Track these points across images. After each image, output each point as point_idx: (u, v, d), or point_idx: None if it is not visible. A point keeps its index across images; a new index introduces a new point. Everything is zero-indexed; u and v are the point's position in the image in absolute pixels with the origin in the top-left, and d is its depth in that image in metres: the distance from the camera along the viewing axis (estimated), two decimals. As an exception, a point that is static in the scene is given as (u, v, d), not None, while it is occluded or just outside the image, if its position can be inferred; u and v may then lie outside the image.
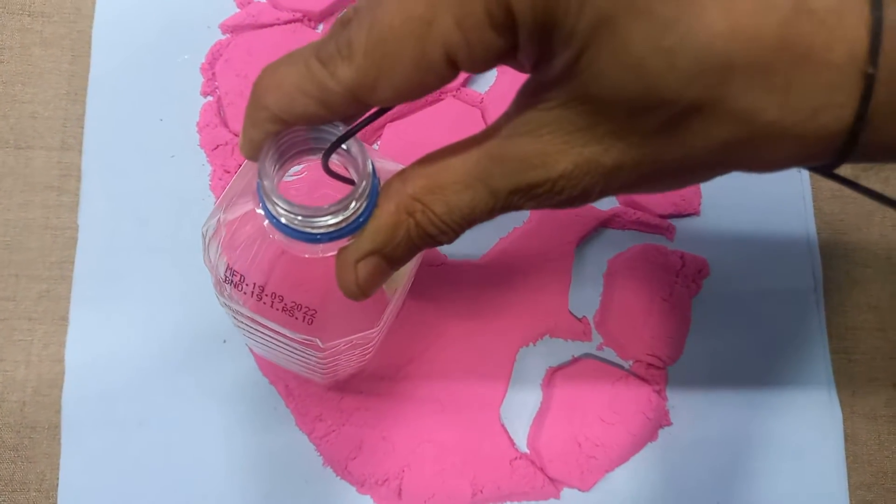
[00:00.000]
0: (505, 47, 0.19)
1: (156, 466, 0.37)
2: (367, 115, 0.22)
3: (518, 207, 0.21)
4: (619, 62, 0.17)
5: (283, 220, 0.21)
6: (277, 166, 0.22)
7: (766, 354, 0.41)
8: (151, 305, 0.38)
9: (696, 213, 0.42)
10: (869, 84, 0.16)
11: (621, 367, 0.40)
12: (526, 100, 0.21)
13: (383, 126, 0.41)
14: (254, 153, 0.21)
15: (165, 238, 0.39)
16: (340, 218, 0.21)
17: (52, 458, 0.37)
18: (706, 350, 0.41)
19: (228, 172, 0.40)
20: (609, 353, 0.40)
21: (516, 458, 0.38)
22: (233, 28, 0.42)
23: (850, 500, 0.40)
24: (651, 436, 0.39)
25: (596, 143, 0.19)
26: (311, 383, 0.38)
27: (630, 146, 0.19)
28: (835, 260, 0.43)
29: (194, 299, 0.38)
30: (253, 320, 0.26)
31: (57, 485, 0.36)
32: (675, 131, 0.19)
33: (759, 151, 0.19)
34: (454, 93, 0.42)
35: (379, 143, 0.41)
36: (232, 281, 0.25)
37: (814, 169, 0.20)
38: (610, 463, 0.38)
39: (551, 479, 0.38)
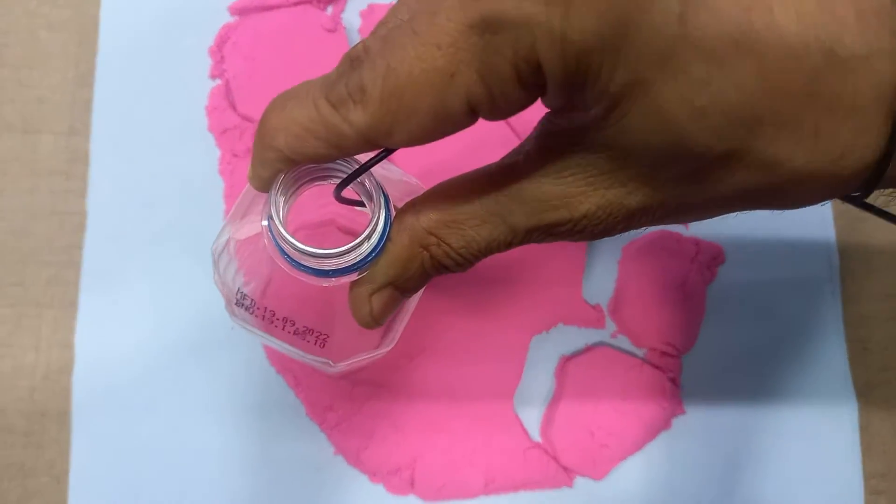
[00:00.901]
0: (531, 99, 0.19)
1: (165, 451, 0.37)
2: (381, 151, 0.21)
3: (537, 241, 0.21)
4: (650, 119, 0.17)
5: (299, 259, 0.21)
6: (285, 199, 0.22)
7: (781, 343, 0.41)
8: (160, 290, 0.38)
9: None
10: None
11: (635, 355, 0.39)
12: (548, 140, 0.20)
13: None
14: (264, 188, 0.21)
15: (174, 222, 0.39)
16: (356, 255, 0.21)
17: (63, 443, 0.37)
18: (721, 338, 0.40)
19: (237, 156, 0.39)
20: (623, 341, 0.40)
21: (529, 448, 0.37)
22: (241, 10, 0.41)
23: (865, 490, 0.40)
24: (665, 424, 0.39)
25: (620, 186, 0.19)
26: (320, 373, 0.38)
27: (655, 191, 0.19)
28: (851, 248, 0.43)
29: (203, 284, 0.38)
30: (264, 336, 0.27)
31: (68, 470, 0.36)
32: (701, 178, 0.19)
33: (786, 194, 0.19)
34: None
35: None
36: (243, 304, 0.25)
37: (842, 199, 0.21)
38: (623, 452, 0.38)
39: (564, 468, 0.37)
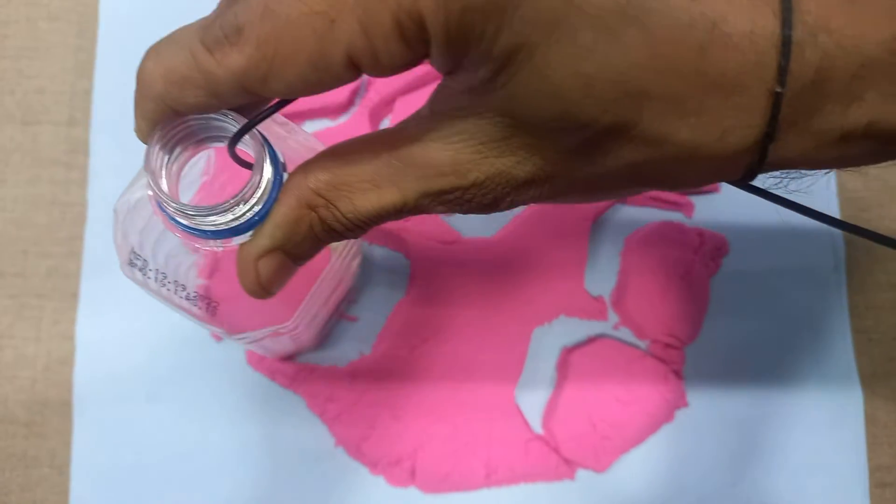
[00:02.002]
0: (415, 57, 0.18)
1: (167, 441, 0.37)
2: (271, 105, 0.20)
3: (427, 210, 0.21)
4: (536, 85, 0.17)
5: (174, 216, 0.20)
6: (169, 158, 0.20)
7: (785, 334, 0.41)
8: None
9: (715, 190, 0.41)
10: (777, 103, 0.17)
11: (637, 346, 0.39)
12: (440, 104, 0.20)
13: (395, 100, 0.40)
14: (146, 139, 0.20)
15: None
16: (234, 216, 0.20)
17: (64, 434, 0.37)
18: (724, 330, 0.40)
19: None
20: (625, 333, 0.40)
21: (531, 439, 0.37)
22: (241, 0, 0.41)
23: (870, 482, 0.40)
24: (667, 416, 0.39)
25: (509, 155, 0.19)
26: (319, 367, 0.38)
27: (544, 162, 0.19)
28: (857, 238, 0.42)
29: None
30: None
31: (69, 460, 0.37)
32: (589, 151, 0.18)
33: (671, 171, 0.19)
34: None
35: (391, 116, 0.40)
36: (135, 265, 0.24)
37: (731, 182, 0.20)
38: (625, 444, 0.37)
39: (566, 460, 0.37)
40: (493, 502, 0.37)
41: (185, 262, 0.25)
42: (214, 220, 0.20)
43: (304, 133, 0.26)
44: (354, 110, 0.40)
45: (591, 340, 0.39)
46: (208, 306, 0.24)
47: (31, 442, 0.37)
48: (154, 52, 0.19)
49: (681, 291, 0.39)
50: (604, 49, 0.16)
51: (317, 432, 0.37)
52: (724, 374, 0.40)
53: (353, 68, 0.18)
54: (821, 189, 0.42)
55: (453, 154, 0.19)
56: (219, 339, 0.38)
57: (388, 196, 0.20)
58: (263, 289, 0.21)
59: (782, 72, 0.16)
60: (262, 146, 0.20)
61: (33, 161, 0.39)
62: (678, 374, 0.39)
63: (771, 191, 0.21)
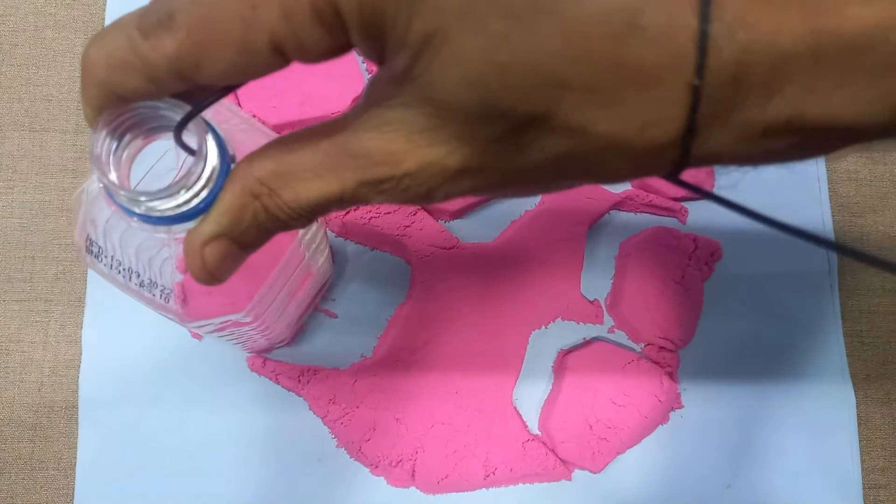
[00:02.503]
0: (338, 43, 0.19)
1: (171, 444, 0.37)
2: (214, 93, 0.21)
3: (367, 200, 0.21)
4: (454, 74, 0.17)
5: (120, 201, 0.21)
6: (118, 145, 0.21)
7: (778, 338, 0.41)
8: (166, 287, 0.39)
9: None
10: (696, 96, 0.17)
11: (633, 349, 0.40)
12: (373, 94, 0.20)
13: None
14: (92, 125, 0.21)
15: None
16: (178, 202, 0.20)
17: (70, 437, 0.37)
18: (718, 333, 0.41)
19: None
20: (621, 336, 0.40)
21: (528, 440, 0.38)
22: None
23: (863, 484, 0.40)
24: (662, 418, 0.39)
25: (441, 144, 0.19)
26: (322, 369, 0.38)
27: (473, 152, 0.19)
28: (849, 242, 0.43)
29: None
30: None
31: (75, 463, 0.37)
32: (514, 141, 0.18)
33: (595, 164, 0.19)
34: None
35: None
36: (91, 251, 0.24)
37: (662, 177, 0.20)
38: (621, 445, 0.38)
39: (563, 461, 0.38)
40: (492, 502, 0.38)
41: (145, 251, 0.25)
42: (159, 206, 0.20)
43: (262, 126, 0.26)
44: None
45: (587, 343, 0.40)
46: (162, 293, 0.25)
47: (37, 445, 0.37)
48: (97, 37, 0.19)
49: (675, 295, 0.40)
50: (517, 38, 0.16)
51: (319, 434, 0.38)
52: (718, 376, 0.40)
53: (279, 54, 0.18)
54: (812, 193, 0.43)
55: (385, 144, 0.19)
56: (199, 337, 0.38)
57: (328, 186, 0.20)
58: (210, 274, 0.21)
59: (700, 66, 0.16)
60: (205, 133, 0.20)
61: (41, 168, 0.40)
62: (673, 377, 0.39)
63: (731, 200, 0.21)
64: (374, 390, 0.38)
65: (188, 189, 0.20)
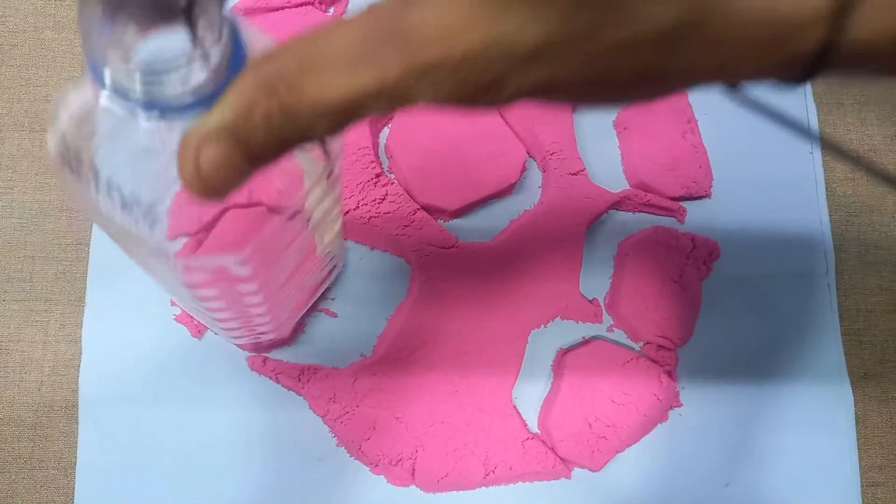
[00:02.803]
0: None
1: (171, 444, 0.37)
2: None
3: (412, 97, 0.17)
4: None
5: (113, 79, 0.17)
6: (111, 26, 0.17)
7: (776, 336, 0.41)
8: (166, 287, 0.39)
9: (706, 196, 0.42)
10: None
11: (631, 348, 0.40)
12: None
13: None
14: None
15: (179, 220, 0.39)
16: (183, 84, 0.17)
17: (70, 436, 0.37)
18: (716, 332, 0.41)
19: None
20: (619, 335, 0.40)
21: (528, 439, 0.38)
22: (245, 11, 0.42)
23: (861, 482, 0.41)
24: (661, 417, 0.39)
25: (513, 12, 0.15)
26: (322, 368, 0.38)
27: (556, 17, 0.15)
28: (847, 242, 0.43)
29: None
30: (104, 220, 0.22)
31: (74, 463, 0.37)
32: (613, 4, 0.15)
33: (718, 44, 0.15)
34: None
35: (390, 125, 0.41)
36: (67, 161, 0.21)
37: (784, 85, 0.17)
38: (620, 443, 0.38)
39: (562, 459, 0.38)
40: (492, 501, 0.38)
41: (132, 161, 0.21)
42: (159, 82, 0.17)
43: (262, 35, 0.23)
44: (355, 118, 0.41)
45: (586, 342, 0.40)
46: (147, 215, 0.21)
47: (37, 444, 0.37)
48: None
49: (673, 294, 0.40)
50: None
51: (319, 433, 0.38)
52: (717, 375, 0.41)
53: None
54: (809, 193, 0.43)
55: (439, 17, 0.16)
56: (199, 335, 0.38)
57: (363, 75, 0.16)
58: (204, 183, 0.17)
59: None
60: (220, 4, 0.17)
61: (41, 168, 0.40)
62: (671, 375, 0.39)
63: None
64: (373, 389, 0.38)
65: (193, 67, 0.17)
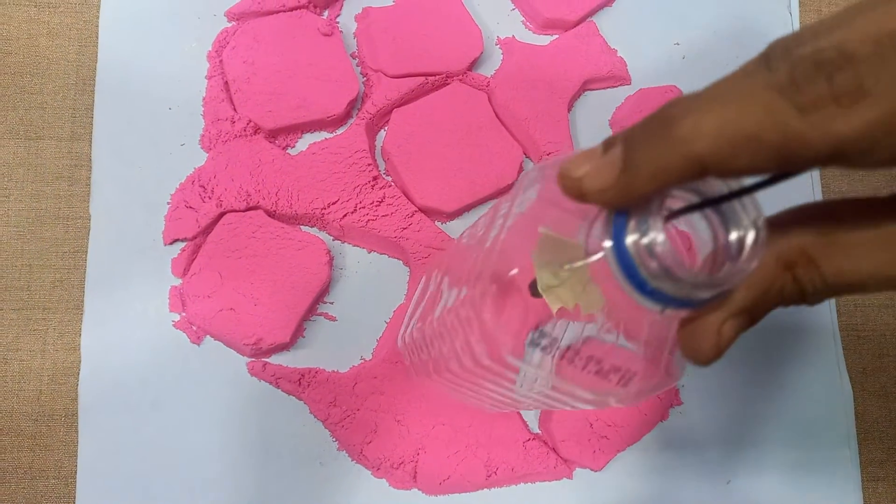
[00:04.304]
0: None
1: (172, 450, 0.37)
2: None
3: None
4: None
5: (652, 285, 0.18)
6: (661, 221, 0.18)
7: (775, 333, 0.41)
8: (164, 292, 0.39)
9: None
10: None
11: (629, 348, 0.40)
12: None
13: (390, 111, 0.41)
14: (631, 204, 0.18)
15: (176, 226, 0.39)
16: (722, 289, 0.19)
17: (70, 445, 0.37)
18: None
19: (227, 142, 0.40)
20: (617, 335, 0.40)
21: (529, 440, 0.38)
22: (238, 15, 0.42)
23: (862, 477, 0.41)
24: (662, 415, 0.39)
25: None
26: (322, 372, 0.38)
27: None
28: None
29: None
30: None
31: (75, 472, 0.37)
32: None
33: None
34: (460, 77, 0.42)
35: (387, 128, 0.41)
36: (538, 343, 0.22)
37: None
38: (621, 442, 0.38)
39: (564, 460, 0.38)
40: (494, 502, 0.38)
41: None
42: (702, 293, 0.18)
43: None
44: (351, 122, 0.41)
45: (585, 342, 0.40)
46: (621, 378, 0.22)
47: (36, 454, 0.37)
48: (695, 108, 0.17)
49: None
50: None
51: (319, 437, 0.38)
52: (716, 372, 0.41)
53: None
54: (805, 189, 0.43)
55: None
56: (198, 341, 0.38)
57: (885, 262, 0.18)
58: (721, 353, 0.20)
59: None
60: (760, 213, 0.19)
61: (37, 176, 0.40)
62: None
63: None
64: (374, 392, 0.38)
65: (742, 272, 0.18)
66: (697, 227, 0.20)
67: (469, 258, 0.26)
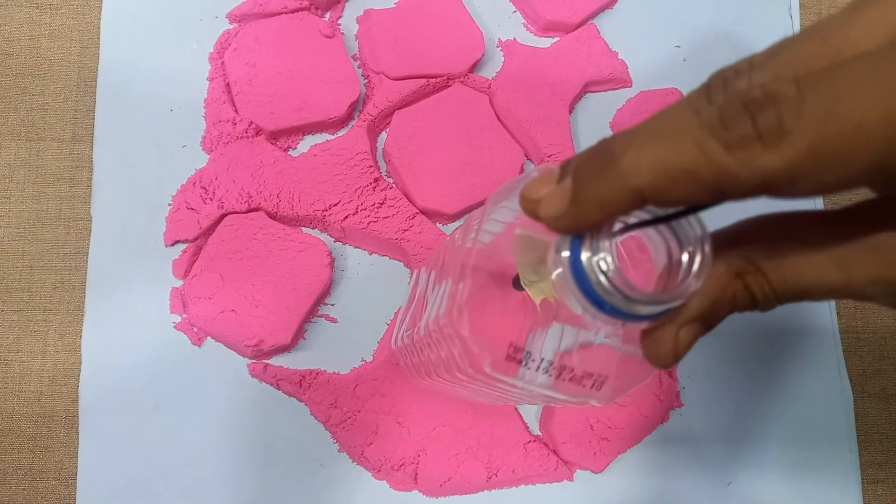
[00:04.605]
0: None
1: (172, 452, 0.37)
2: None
3: (871, 299, 0.20)
4: None
5: (611, 300, 0.19)
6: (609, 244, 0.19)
7: (775, 335, 0.41)
8: (165, 294, 0.39)
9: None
10: None
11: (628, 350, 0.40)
12: None
13: (392, 113, 0.41)
14: (582, 231, 0.20)
15: (177, 227, 0.39)
16: (672, 305, 0.20)
17: (70, 446, 0.37)
18: (716, 332, 0.40)
19: (227, 143, 0.40)
20: (615, 338, 0.40)
21: (530, 441, 0.38)
22: (240, 17, 0.42)
23: (862, 479, 0.41)
24: (662, 417, 0.39)
25: None
26: (323, 373, 0.38)
27: None
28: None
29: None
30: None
31: (75, 473, 0.37)
32: None
33: None
34: (462, 79, 0.42)
35: (388, 130, 0.41)
36: (520, 360, 0.23)
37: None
38: (622, 444, 0.38)
39: (564, 462, 0.38)
40: (495, 504, 0.38)
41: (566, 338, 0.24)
42: (651, 309, 0.20)
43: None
44: (353, 124, 0.41)
45: (584, 345, 0.40)
46: (594, 383, 0.24)
47: (37, 455, 0.37)
48: (634, 145, 0.18)
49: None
50: None
51: (320, 438, 0.38)
52: (717, 374, 0.41)
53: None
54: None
55: None
56: (199, 343, 0.38)
57: (829, 274, 0.19)
58: (678, 358, 0.21)
59: None
60: (706, 231, 0.20)
61: (38, 177, 0.40)
62: (672, 376, 0.40)
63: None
64: (375, 394, 0.38)
65: (688, 291, 0.20)
66: (655, 241, 0.21)
67: (452, 262, 0.27)
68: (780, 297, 0.20)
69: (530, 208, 0.20)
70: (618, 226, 0.20)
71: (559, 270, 0.20)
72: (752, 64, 0.18)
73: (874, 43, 0.18)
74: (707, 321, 0.21)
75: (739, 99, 0.17)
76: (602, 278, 0.19)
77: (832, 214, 0.20)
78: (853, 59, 0.17)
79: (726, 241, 0.21)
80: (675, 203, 0.18)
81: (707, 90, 0.18)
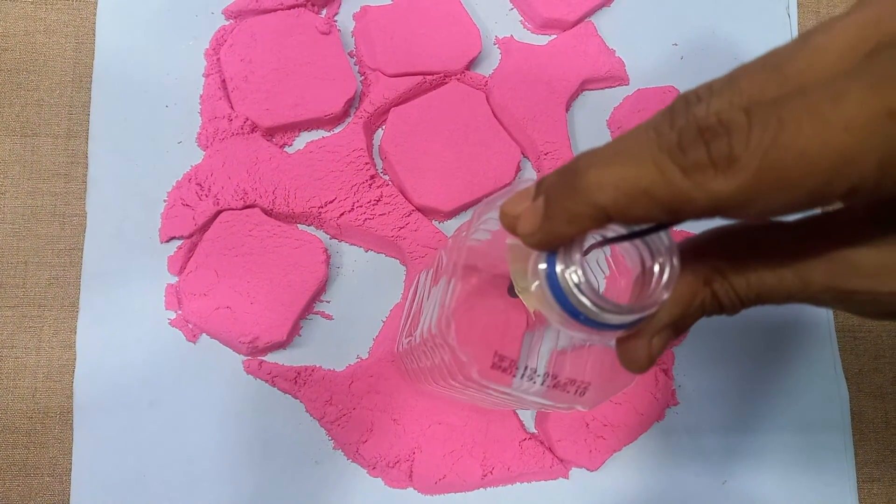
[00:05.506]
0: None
1: (167, 448, 0.37)
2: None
3: (821, 304, 0.21)
4: None
5: (581, 312, 0.20)
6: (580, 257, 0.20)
7: (771, 334, 0.41)
8: (160, 289, 0.39)
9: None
10: None
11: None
12: (885, 211, 0.20)
13: (388, 110, 0.41)
14: (552, 245, 0.21)
15: (173, 224, 0.39)
16: (643, 314, 0.21)
17: (65, 442, 0.37)
18: (712, 330, 0.41)
19: (224, 140, 0.40)
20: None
21: (525, 439, 0.38)
22: (236, 13, 0.42)
23: (857, 478, 0.41)
24: (658, 415, 0.39)
25: None
26: (318, 370, 0.38)
27: None
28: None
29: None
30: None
31: (69, 469, 0.37)
32: None
33: None
34: (458, 76, 0.42)
35: (385, 127, 0.41)
36: (500, 367, 0.24)
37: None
38: (618, 442, 0.38)
39: (560, 460, 0.38)
40: (490, 502, 0.38)
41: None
42: (628, 318, 0.20)
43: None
44: (349, 121, 0.41)
45: (567, 352, 0.40)
46: (578, 389, 0.25)
47: (31, 451, 0.37)
48: (598, 162, 0.19)
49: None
50: None
51: (316, 436, 0.38)
52: (712, 372, 0.41)
53: (846, 197, 0.17)
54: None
55: (882, 260, 0.20)
56: (194, 339, 0.38)
57: (788, 283, 0.21)
58: (652, 363, 0.22)
59: None
60: (673, 244, 0.21)
61: (33, 173, 0.40)
62: (668, 374, 0.40)
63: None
64: (370, 391, 0.38)
65: (657, 301, 0.21)
66: (631, 253, 0.22)
67: (443, 272, 0.27)
68: (744, 301, 0.22)
69: (510, 224, 0.21)
70: (597, 239, 0.21)
71: (537, 283, 0.21)
72: (711, 90, 0.20)
73: (821, 73, 0.19)
74: (678, 327, 0.22)
75: (696, 125, 0.18)
76: (575, 290, 0.20)
77: (791, 225, 0.21)
78: (797, 90, 0.17)
79: (695, 251, 0.22)
80: (636, 221, 0.19)
81: (671, 113, 0.19)
